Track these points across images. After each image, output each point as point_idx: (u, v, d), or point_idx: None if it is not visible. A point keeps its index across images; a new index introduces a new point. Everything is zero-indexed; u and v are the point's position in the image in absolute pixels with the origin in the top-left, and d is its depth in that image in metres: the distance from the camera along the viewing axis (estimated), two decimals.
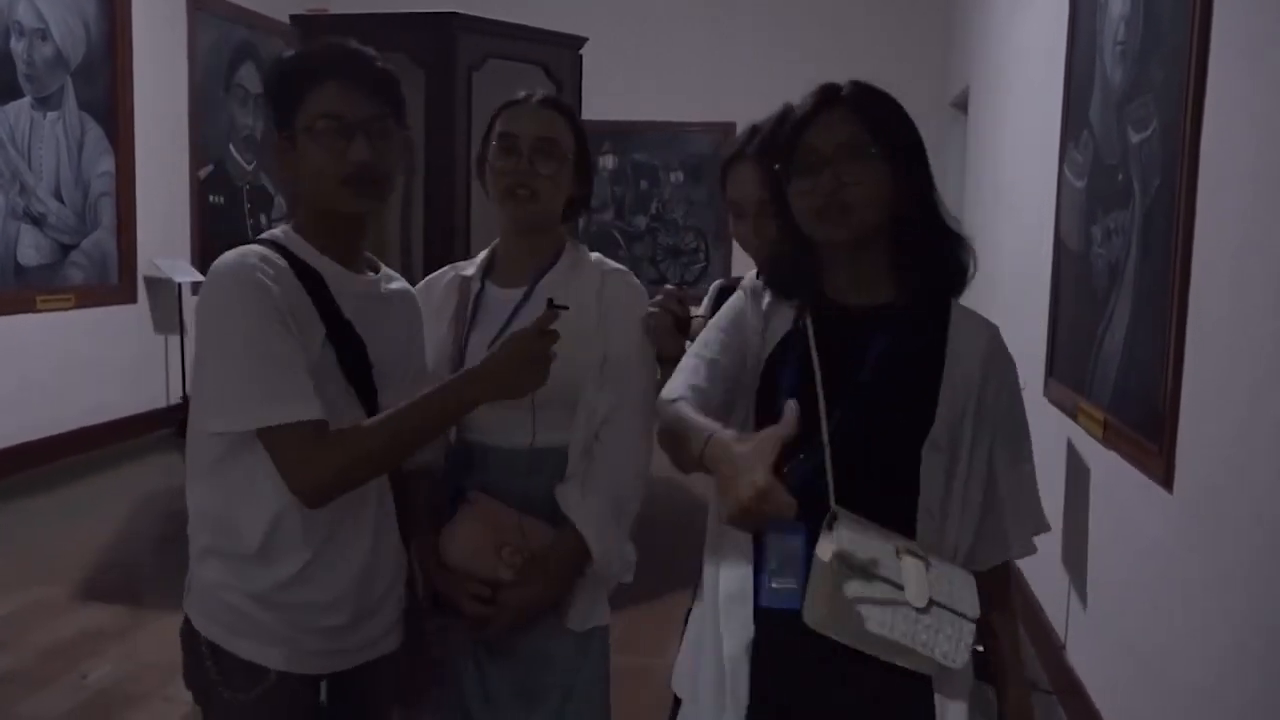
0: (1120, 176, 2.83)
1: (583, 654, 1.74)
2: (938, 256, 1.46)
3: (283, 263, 1.49)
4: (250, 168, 7.56)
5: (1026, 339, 4.03)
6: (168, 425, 6.55)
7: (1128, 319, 2.73)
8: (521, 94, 1.80)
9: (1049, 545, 3.40)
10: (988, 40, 5.65)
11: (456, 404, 1.49)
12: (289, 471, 1.43)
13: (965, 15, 6.60)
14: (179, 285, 6.58)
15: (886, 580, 1.32)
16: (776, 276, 1.53)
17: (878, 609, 1.31)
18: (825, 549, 1.33)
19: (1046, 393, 3.63)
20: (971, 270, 1.47)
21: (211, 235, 7.09)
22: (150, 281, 6.47)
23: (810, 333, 1.46)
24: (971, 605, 1.36)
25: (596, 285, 1.76)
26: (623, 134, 8.07)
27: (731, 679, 1.40)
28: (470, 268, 1.83)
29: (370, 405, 1.55)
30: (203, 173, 7.00)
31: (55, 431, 5.76)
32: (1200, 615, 2.22)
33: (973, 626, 1.36)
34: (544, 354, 1.48)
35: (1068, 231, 3.49)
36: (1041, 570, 3.67)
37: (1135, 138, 2.71)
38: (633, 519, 1.75)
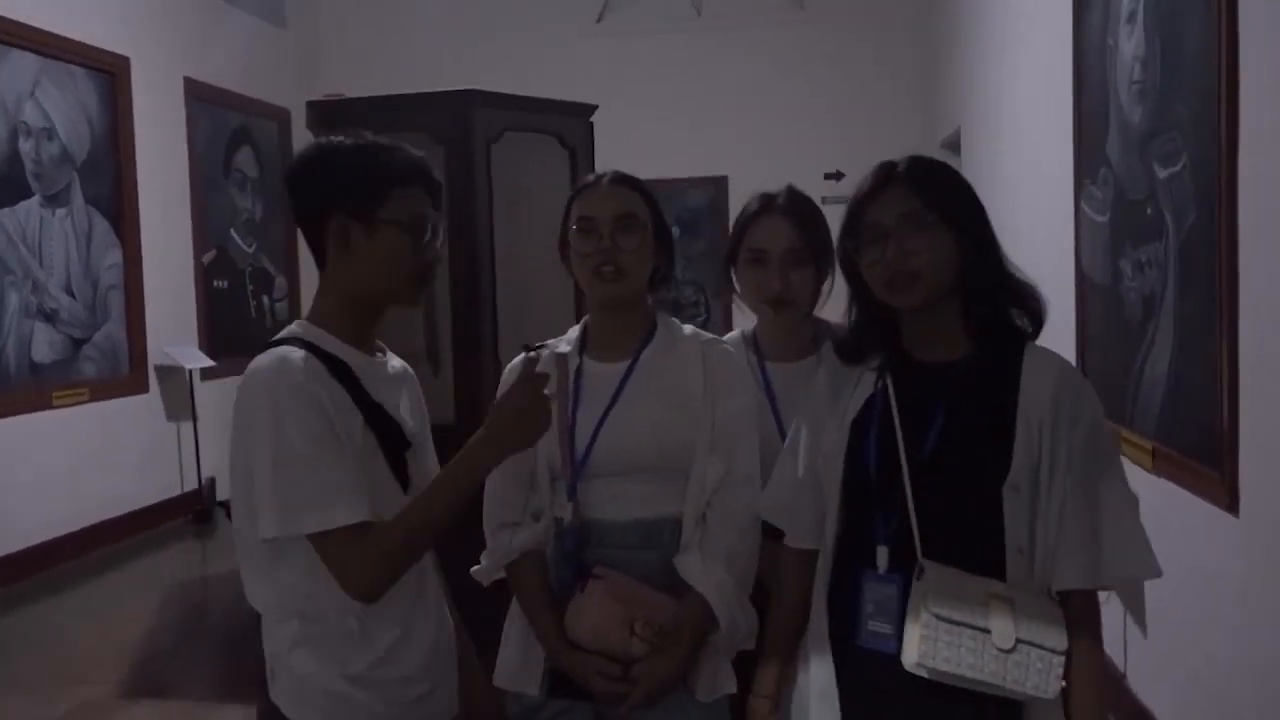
0: (1149, 211, 2.91)
1: None
2: (1006, 309, 1.56)
3: (317, 362, 1.53)
4: (251, 250, 7.60)
5: None
6: (184, 513, 6.52)
7: (1170, 348, 2.79)
8: (592, 177, 1.85)
9: None
10: (978, 84, 5.79)
11: (471, 474, 1.53)
12: (340, 574, 1.49)
13: (950, 60, 6.75)
14: (189, 372, 6.58)
15: (974, 626, 1.43)
16: (853, 343, 1.63)
17: (969, 653, 1.43)
18: (917, 602, 1.46)
19: None
20: (1044, 315, 1.56)
21: (217, 319, 7.12)
22: (160, 370, 6.47)
23: (891, 392, 1.56)
24: (1059, 639, 1.45)
25: (698, 356, 1.79)
26: None
27: (820, 708, 1.54)
28: (563, 344, 1.86)
29: (404, 480, 1.61)
30: (206, 258, 7.04)
31: (74, 527, 5.70)
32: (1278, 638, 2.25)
33: (1062, 658, 1.45)
34: (537, 400, 1.53)
35: (1090, 266, 3.57)
36: None
37: (1163, 173, 2.79)
38: (750, 585, 1.76)
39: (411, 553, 1.53)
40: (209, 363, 6.71)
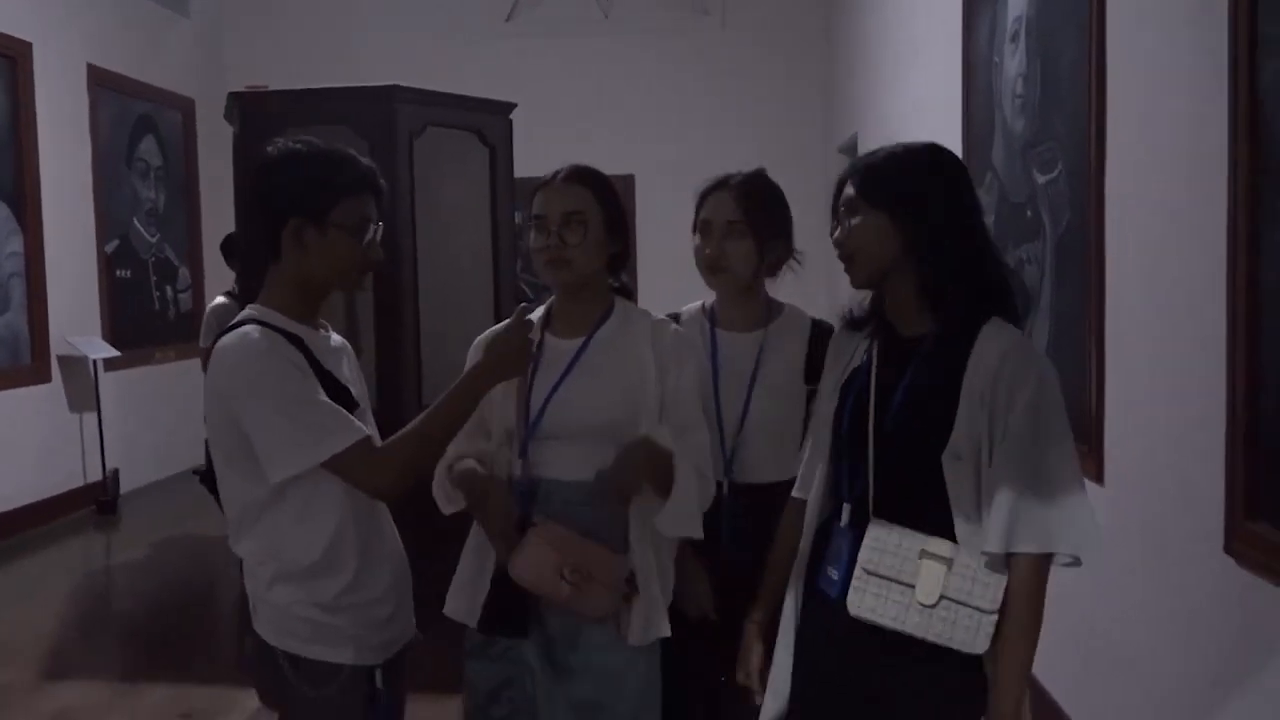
0: (1029, 212, 3.22)
1: (649, 667, 1.90)
2: (955, 287, 1.65)
3: (277, 334, 1.77)
4: (155, 240, 7.52)
5: None
6: (87, 505, 6.45)
7: (1047, 337, 3.09)
8: (548, 175, 1.99)
9: None
10: (875, 93, 6.12)
11: (469, 395, 1.82)
12: (364, 480, 1.75)
13: (850, 70, 7.07)
14: (93, 362, 6.50)
15: (900, 582, 1.60)
16: (850, 315, 1.83)
17: (893, 605, 1.61)
18: (860, 555, 1.64)
19: None
20: (1003, 298, 1.67)
21: (121, 309, 7.04)
22: (63, 360, 6.38)
23: (873, 362, 1.73)
24: (991, 600, 1.56)
25: (648, 335, 1.96)
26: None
27: (782, 640, 1.78)
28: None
29: None
30: (108, 247, 6.95)
31: None
32: (1141, 590, 2.55)
33: (993, 617, 1.56)
34: (523, 342, 1.84)
35: None
36: None
37: (1042, 179, 3.10)
38: (705, 507, 1.91)
39: (421, 458, 1.79)
40: (113, 353, 6.63)
